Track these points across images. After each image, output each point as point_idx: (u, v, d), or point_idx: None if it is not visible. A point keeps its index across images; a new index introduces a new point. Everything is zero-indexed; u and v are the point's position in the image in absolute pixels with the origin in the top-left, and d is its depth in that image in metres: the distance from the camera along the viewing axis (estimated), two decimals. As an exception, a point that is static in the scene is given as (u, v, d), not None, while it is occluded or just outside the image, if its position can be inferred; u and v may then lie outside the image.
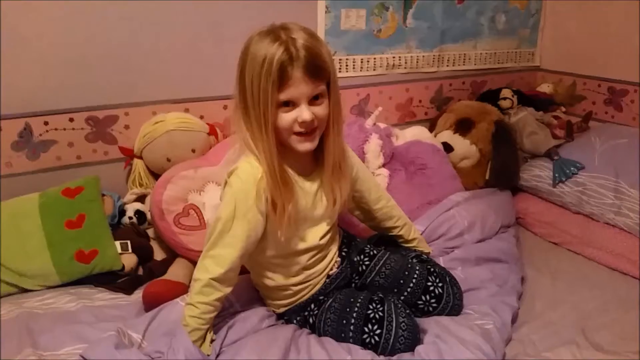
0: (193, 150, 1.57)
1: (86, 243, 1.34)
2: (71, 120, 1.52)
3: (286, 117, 1.03)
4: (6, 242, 1.30)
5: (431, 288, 1.24)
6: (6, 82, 1.41)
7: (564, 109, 2.23)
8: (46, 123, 1.49)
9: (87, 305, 1.24)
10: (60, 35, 1.45)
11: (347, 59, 1.93)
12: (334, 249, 1.27)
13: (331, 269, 1.25)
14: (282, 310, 1.23)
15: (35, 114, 1.47)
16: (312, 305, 1.21)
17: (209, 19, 1.62)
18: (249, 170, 1.06)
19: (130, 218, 1.49)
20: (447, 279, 1.27)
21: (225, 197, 1.08)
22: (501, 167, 1.85)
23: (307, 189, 1.15)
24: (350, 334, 1.14)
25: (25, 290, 1.31)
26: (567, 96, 2.28)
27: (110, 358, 1.00)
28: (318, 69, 1.02)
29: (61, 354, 1.06)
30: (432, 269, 1.27)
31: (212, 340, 1.10)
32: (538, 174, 1.86)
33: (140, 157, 1.57)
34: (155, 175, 1.57)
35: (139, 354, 1.03)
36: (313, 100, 1.04)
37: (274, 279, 1.19)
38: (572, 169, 1.77)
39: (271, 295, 1.23)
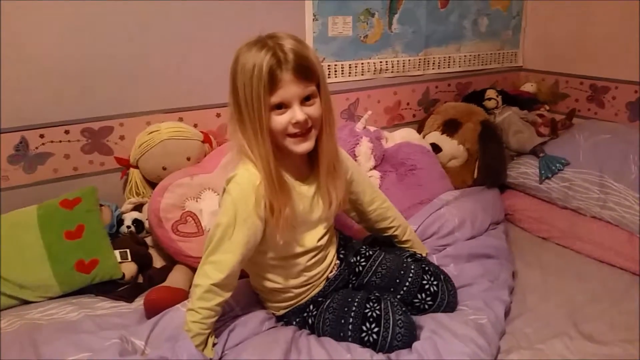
0: (188, 159, 1.59)
1: (86, 253, 1.36)
2: (67, 132, 1.53)
3: (280, 120, 1.06)
4: (6, 254, 1.31)
5: (426, 286, 1.27)
6: (2, 95, 1.42)
7: (547, 107, 2.29)
8: (42, 136, 1.50)
9: (89, 314, 1.26)
10: (54, 48, 1.46)
11: (335, 65, 1.97)
12: (332, 251, 1.29)
13: (331, 272, 1.27)
14: (281, 312, 1.26)
15: (31, 127, 1.48)
16: (311, 307, 1.24)
17: (198, 30, 1.65)
18: (247, 176, 1.09)
19: (128, 227, 1.50)
20: (442, 277, 1.30)
21: (225, 204, 1.10)
22: (488, 166, 1.89)
23: (304, 193, 1.18)
24: (349, 332, 1.16)
25: (26, 302, 1.32)
26: (550, 94, 2.34)
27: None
28: (306, 70, 1.05)
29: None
30: (426, 268, 1.31)
31: (214, 344, 1.12)
32: (525, 171, 1.91)
33: (137, 167, 1.59)
34: (152, 184, 1.59)
35: None
36: (305, 101, 1.07)
37: (274, 281, 1.21)
38: (557, 165, 1.82)
39: (271, 297, 1.26)
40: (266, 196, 1.08)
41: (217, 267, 1.09)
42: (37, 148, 1.50)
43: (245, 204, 1.08)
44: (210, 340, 1.11)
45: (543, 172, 1.84)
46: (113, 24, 1.52)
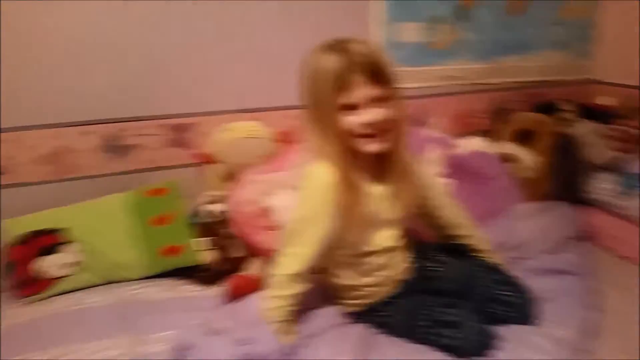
0: (263, 157, 1.65)
1: (170, 239, 1.45)
2: (153, 126, 1.63)
3: (350, 120, 1.09)
4: (101, 236, 1.43)
5: (501, 296, 1.24)
6: (91, 90, 1.54)
7: (624, 121, 2.20)
8: (129, 129, 1.61)
9: (174, 296, 1.34)
10: (142, 47, 1.57)
11: (404, 71, 1.98)
12: (404, 254, 1.30)
13: (402, 274, 1.28)
14: (353, 309, 1.27)
15: (118, 120, 1.59)
16: (383, 307, 1.25)
17: (273, 34, 1.73)
18: (320, 174, 1.13)
19: (208, 218, 1.57)
20: (518, 288, 1.27)
21: (299, 200, 1.15)
22: (564, 179, 1.84)
23: (375, 194, 1.20)
24: (421, 335, 1.17)
25: (116, 281, 1.42)
26: (627, 108, 2.24)
27: (200, 343, 1.08)
28: (377, 72, 1.08)
29: (155, 338, 1.15)
30: (501, 278, 1.29)
31: (291, 333, 1.15)
32: (602, 186, 1.83)
33: (215, 162, 1.66)
34: (230, 179, 1.65)
35: (225, 341, 1.09)
36: (375, 103, 1.10)
37: (345, 278, 1.24)
38: (637, 181, 1.75)
39: (342, 294, 1.28)
40: (337, 194, 1.11)
41: (293, 258, 1.13)
42: (125, 140, 1.61)
43: (318, 200, 1.12)
44: (288, 329, 1.14)
45: (622, 188, 1.77)
46: (198, 26, 1.62)
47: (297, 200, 1.16)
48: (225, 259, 1.49)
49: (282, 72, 1.73)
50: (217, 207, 1.59)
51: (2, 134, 1.48)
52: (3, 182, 1.51)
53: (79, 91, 1.54)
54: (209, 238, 1.50)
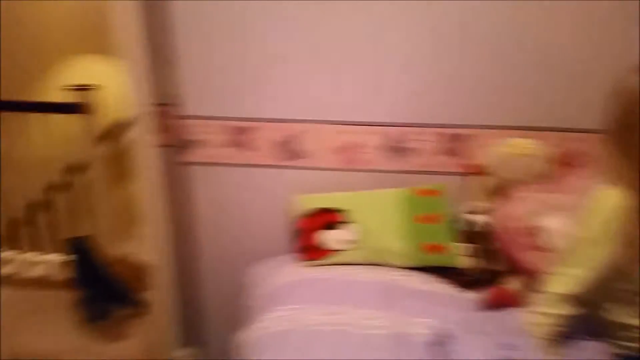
0: (536, 176, 1.60)
1: (434, 238, 1.57)
2: (430, 133, 1.76)
3: None
4: (375, 223, 1.63)
5: None
6: (382, 95, 1.73)
7: None
8: (410, 134, 1.76)
9: (432, 289, 1.44)
10: (433, 62, 1.70)
11: None
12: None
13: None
14: (624, 352, 1.15)
15: (404, 124, 1.76)
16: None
17: (552, 54, 1.66)
18: (611, 198, 1.07)
19: (472, 226, 1.63)
20: None
21: (583, 221, 1.11)
22: None
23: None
24: None
25: (383, 264, 1.59)
26: None
27: (461, 336, 1.13)
28: None
29: (415, 321, 1.25)
30: None
31: (553, 353, 1.12)
32: None
33: (485, 175, 1.69)
34: (497, 193, 1.66)
35: (486, 341, 1.13)
36: None
37: (619, 315, 1.14)
38: None
39: (613, 332, 1.17)
40: (627, 221, 1.05)
41: (567, 279, 1.11)
42: (404, 142, 1.77)
43: (604, 224, 1.08)
44: (552, 348, 1.12)
45: None
46: (486, 43, 1.67)
47: (583, 222, 1.13)
48: (484, 268, 1.51)
49: (567, 92, 1.67)
50: (481, 218, 1.63)
51: (304, 123, 1.79)
52: (304, 165, 1.83)
53: (372, 95, 1.76)
54: (469, 245, 1.56)
